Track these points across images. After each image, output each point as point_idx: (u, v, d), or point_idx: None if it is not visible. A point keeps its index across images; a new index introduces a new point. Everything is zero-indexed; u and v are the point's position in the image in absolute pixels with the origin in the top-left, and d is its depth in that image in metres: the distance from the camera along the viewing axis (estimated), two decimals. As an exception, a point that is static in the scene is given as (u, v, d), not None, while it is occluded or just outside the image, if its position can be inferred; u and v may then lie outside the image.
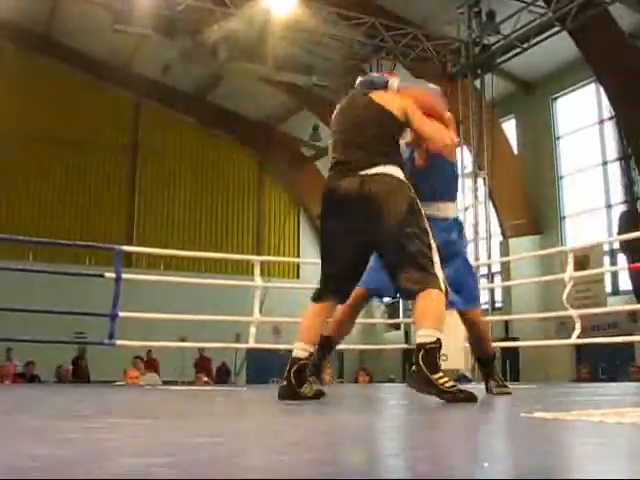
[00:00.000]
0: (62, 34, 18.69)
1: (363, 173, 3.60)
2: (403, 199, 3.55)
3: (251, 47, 14.52)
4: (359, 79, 4.05)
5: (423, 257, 3.48)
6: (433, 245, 3.55)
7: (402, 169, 3.68)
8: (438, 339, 3.35)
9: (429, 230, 3.57)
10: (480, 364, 4.68)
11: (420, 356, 3.30)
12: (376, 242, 3.61)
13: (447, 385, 3.28)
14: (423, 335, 3.35)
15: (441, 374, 3.30)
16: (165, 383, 10.60)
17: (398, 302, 17.05)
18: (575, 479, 1.26)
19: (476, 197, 14.82)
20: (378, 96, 3.81)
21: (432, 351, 3.32)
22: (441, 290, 3.47)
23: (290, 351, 3.69)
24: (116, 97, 20.23)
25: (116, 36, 15.08)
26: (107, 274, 6.64)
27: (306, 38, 14.60)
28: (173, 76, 18.32)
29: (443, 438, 2.05)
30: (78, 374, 13.56)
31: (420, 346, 3.33)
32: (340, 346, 4.88)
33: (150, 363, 13.63)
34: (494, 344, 13.09)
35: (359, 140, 3.73)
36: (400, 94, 3.85)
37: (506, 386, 4.57)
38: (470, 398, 3.32)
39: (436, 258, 3.53)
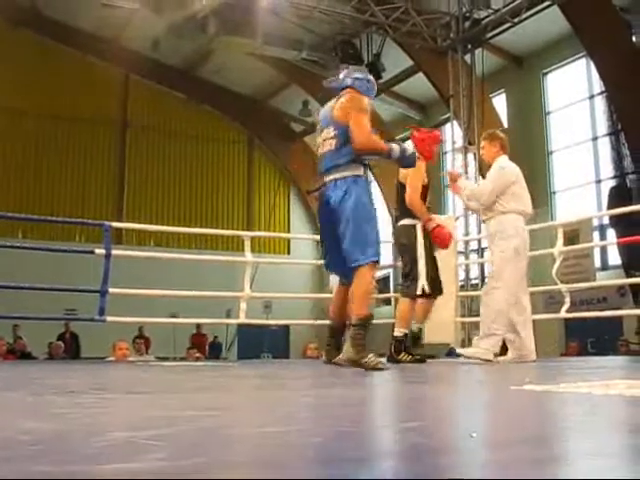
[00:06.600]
0: (49, 8, 18.45)
1: None
2: None
3: (240, 22, 14.40)
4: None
5: None
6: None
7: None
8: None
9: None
10: None
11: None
12: None
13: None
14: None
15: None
16: (157, 359, 10.61)
17: (388, 277, 17.09)
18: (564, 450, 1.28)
19: (466, 172, 14.80)
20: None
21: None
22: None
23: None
24: (105, 72, 20.01)
25: (104, 10, 14.94)
26: (97, 250, 6.62)
27: (295, 12, 14.48)
28: (162, 51, 18.15)
29: (433, 411, 2.07)
30: (65, 350, 13.56)
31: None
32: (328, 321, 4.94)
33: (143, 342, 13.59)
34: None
35: None
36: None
37: None
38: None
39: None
